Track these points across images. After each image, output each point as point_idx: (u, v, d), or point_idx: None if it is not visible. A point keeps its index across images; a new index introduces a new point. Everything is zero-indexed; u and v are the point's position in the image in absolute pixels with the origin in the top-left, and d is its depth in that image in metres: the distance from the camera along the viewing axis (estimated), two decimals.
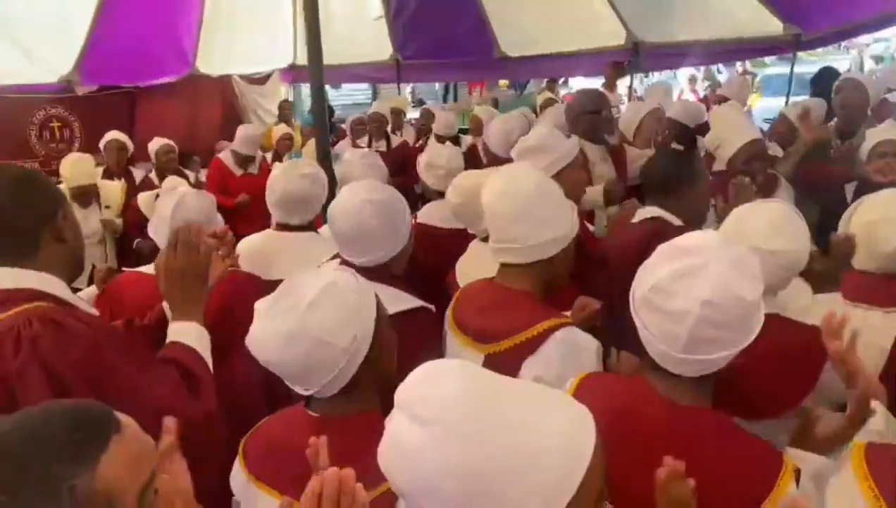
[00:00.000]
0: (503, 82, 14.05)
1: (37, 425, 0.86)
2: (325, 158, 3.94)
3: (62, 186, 4.58)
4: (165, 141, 5.59)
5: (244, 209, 5.28)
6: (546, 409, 0.94)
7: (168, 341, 1.67)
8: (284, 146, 6.85)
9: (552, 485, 0.89)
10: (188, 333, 1.67)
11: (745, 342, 1.29)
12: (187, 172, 6.23)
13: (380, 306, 1.48)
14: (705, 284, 1.26)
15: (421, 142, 6.98)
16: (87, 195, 4.84)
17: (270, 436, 1.50)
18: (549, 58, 7.72)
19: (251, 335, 1.41)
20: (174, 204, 2.31)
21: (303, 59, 8.91)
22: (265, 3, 7.78)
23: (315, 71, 3.75)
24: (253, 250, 2.53)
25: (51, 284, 1.53)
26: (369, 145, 6.61)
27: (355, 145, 6.59)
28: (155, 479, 0.95)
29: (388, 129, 7.00)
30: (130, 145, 5.71)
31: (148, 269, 2.35)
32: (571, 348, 1.70)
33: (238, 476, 1.50)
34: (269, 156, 6.59)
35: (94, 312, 1.64)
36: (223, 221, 2.54)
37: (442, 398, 0.91)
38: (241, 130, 5.75)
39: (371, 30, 8.20)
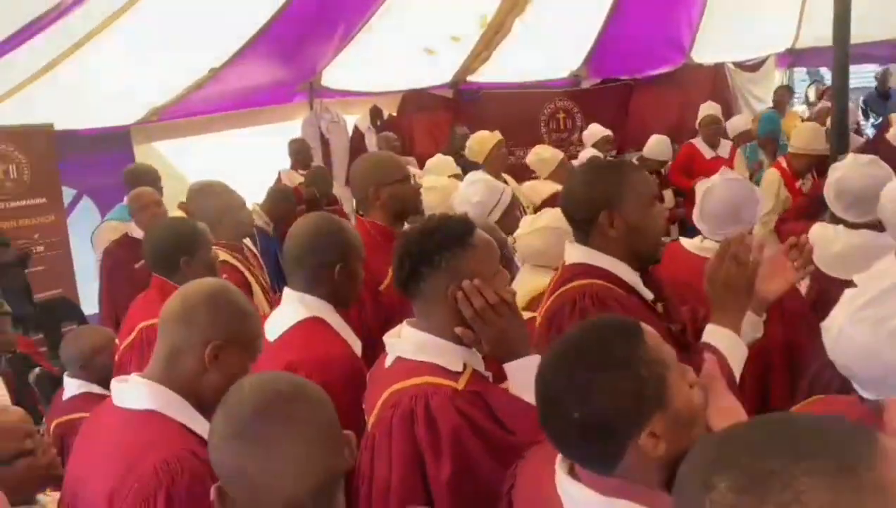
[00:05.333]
0: None
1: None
2: (840, 142, 3.68)
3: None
4: (605, 133, 5.86)
5: None
6: None
7: (703, 340, 1.69)
8: (744, 138, 6.45)
9: None
10: (722, 338, 1.67)
11: None
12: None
13: None
14: None
15: None
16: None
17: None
18: None
19: (828, 323, 1.36)
20: (704, 190, 2.43)
21: (803, 43, 8.38)
22: None
23: (840, 51, 3.52)
24: (825, 247, 2.47)
25: (613, 265, 1.74)
26: None
27: None
28: None
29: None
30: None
31: (690, 244, 2.50)
32: None
33: None
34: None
35: (647, 295, 1.79)
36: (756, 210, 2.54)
37: None
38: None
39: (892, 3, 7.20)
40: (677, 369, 1.10)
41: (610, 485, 1.05)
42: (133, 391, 1.44)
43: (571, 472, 1.11)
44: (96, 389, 2.68)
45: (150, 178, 4.38)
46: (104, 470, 1.35)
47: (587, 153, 5.37)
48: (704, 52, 7.92)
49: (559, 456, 1.13)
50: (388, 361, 1.55)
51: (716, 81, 8.26)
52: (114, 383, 1.49)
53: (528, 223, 2.76)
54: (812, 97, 9.56)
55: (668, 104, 7.82)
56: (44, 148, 5.22)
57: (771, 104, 8.00)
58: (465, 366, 1.49)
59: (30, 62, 4.72)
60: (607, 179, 1.77)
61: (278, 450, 1.05)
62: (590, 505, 1.06)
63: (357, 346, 1.91)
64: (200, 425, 1.42)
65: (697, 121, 5.99)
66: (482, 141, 4.86)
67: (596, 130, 6.20)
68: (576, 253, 1.81)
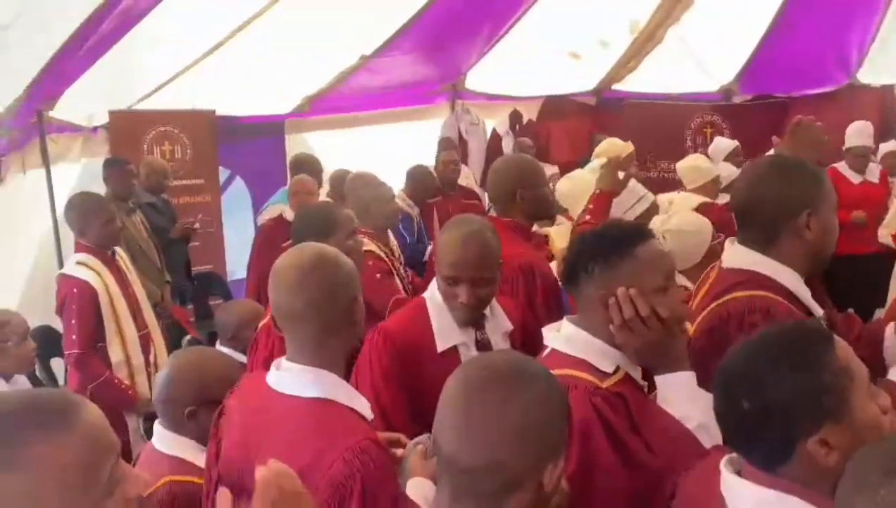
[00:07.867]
0: None
1: None
2: None
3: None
4: (734, 145, 5.58)
5: (861, 228, 4.79)
6: None
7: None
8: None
9: None
10: None
11: None
12: None
13: None
14: None
15: None
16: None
17: None
18: None
19: None
20: None
21: None
22: None
23: None
24: None
25: (784, 274, 1.66)
26: None
27: None
28: None
29: None
30: None
31: None
32: None
33: None
34: None
35: (817, 310, 1.68)
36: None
37: None
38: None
39: None
40: (865, 387, 1.08)
41: (775, 483, 1.06)
42: (296, 380, 1.44)
43: (738, 475, 1.11)
44: (243, 358, 2.76)
45: (312, 168, 4.68)
46: (286, 458, 1.25)
47: (723, 169, 5.04)
48: (873, 72, 7.35)
49: (724, 459, 1.13)
50: (545, 353, 1.56)
51: (883, 105, 7.61)
52: (272, 370, 1.49)
53: (659, 223, 2.81)
54: None
55: (828, 126, 7.24)
56: (205, 132, 5.58)
57: None
58: (618, 369, 1.47)
59: (195, 48, 5.04)
60: (806, 179, 1.69)
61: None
62: (752, 499, 1.07)
63: (453, 339, 1.91)
64: (363, 405, 1.48)
65: (846, 146, 5.45)
66: (614, 146, 4.60)
67: (724, 145, 5.83)
68: (741, 257, 1.72)
